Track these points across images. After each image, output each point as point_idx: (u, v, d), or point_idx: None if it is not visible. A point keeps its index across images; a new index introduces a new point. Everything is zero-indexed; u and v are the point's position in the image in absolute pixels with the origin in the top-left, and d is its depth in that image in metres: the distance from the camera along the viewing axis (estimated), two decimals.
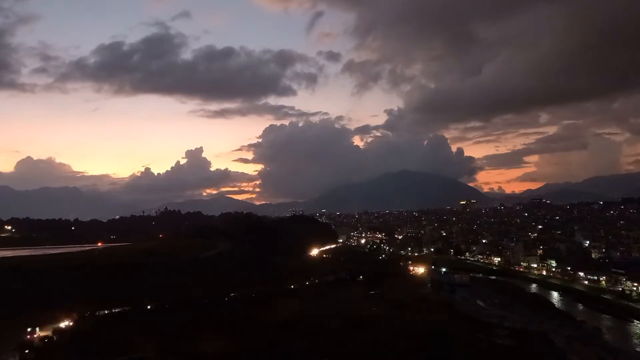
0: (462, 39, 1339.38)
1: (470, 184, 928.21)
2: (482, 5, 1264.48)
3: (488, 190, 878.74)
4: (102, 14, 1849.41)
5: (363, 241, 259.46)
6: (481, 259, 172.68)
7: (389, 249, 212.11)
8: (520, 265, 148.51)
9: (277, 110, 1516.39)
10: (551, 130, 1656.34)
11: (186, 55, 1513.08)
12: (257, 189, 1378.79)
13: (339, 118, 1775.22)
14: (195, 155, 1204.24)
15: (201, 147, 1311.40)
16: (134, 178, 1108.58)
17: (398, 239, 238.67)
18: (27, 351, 52.41)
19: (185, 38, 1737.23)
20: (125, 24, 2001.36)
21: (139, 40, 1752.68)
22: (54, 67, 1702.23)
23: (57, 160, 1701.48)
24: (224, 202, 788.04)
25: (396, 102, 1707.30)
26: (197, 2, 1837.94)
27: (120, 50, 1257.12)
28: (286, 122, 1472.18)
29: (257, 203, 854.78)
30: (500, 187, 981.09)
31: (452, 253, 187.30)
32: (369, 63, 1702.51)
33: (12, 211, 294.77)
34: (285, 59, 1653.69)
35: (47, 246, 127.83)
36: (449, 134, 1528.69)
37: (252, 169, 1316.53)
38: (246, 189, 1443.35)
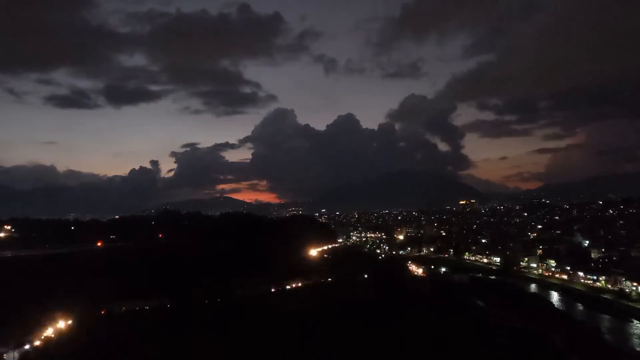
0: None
1: (470, 184, 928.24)
2: None
3: (488, 190, 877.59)
4: None
5: (363, 241, 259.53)
6: (481, 258, 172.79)
7: (388, 249, 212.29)
8: (520, 265, 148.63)
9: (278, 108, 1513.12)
10: (551, 129, 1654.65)
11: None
12: (257, 189, 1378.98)
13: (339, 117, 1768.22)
14: (195, 155, 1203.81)
15: (201, 147, 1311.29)
16: (133, 177, 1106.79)
17: (398, 238, 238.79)
18: (27, 351, 52.39)
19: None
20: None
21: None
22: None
23: (56, 159, 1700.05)
24: (224, 202, 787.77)
25: (395, 100, 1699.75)
26: None
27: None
28: (287, 120, 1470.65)
29: (257, 203, 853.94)
30: (500, 187, 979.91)
31: (451, 253, 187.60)
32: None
33: (11, 211, 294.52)
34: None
35: (47, 246, 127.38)
36: (449, 133, 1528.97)
37: (252, 168, 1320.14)
38: (246, 188, 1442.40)
